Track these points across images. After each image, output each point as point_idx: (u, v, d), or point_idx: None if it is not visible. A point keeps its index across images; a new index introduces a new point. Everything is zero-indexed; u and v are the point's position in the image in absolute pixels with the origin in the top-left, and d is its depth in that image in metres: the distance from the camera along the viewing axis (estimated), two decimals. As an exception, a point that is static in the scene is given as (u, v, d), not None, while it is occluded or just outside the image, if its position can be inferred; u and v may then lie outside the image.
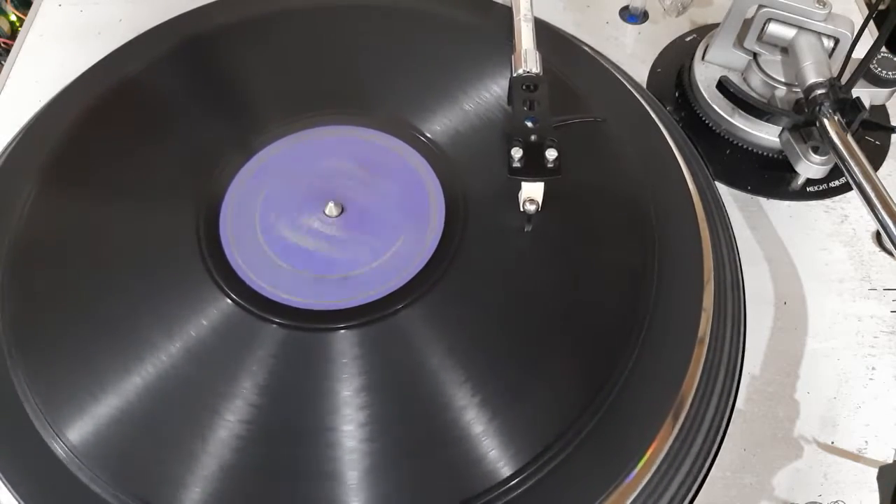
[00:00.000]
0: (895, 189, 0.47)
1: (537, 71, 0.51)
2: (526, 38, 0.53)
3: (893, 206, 0.45)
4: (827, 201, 0.56)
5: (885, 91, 0.54)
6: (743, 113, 0.56)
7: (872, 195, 0.46)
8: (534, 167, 0.45)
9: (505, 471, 0.40)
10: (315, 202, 0.50)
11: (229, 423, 0.41)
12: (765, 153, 0.57)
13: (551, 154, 0.45)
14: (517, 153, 0.45)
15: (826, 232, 0.54)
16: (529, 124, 0.47)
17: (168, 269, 0.47)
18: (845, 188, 0.56)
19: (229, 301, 0.46)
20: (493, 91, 0.55)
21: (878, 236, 0.54)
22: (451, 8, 0.61)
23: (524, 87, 0.49)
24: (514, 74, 0.51)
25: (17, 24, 0.83)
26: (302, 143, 0.53)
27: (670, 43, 0.66)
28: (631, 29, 0.67)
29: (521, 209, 0.47)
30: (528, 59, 0.51)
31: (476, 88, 0.55)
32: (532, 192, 0.46)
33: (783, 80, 0.55)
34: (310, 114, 0.54)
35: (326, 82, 0.57)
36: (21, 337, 0.45)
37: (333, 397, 0.42)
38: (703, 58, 0.60)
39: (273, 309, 0.45)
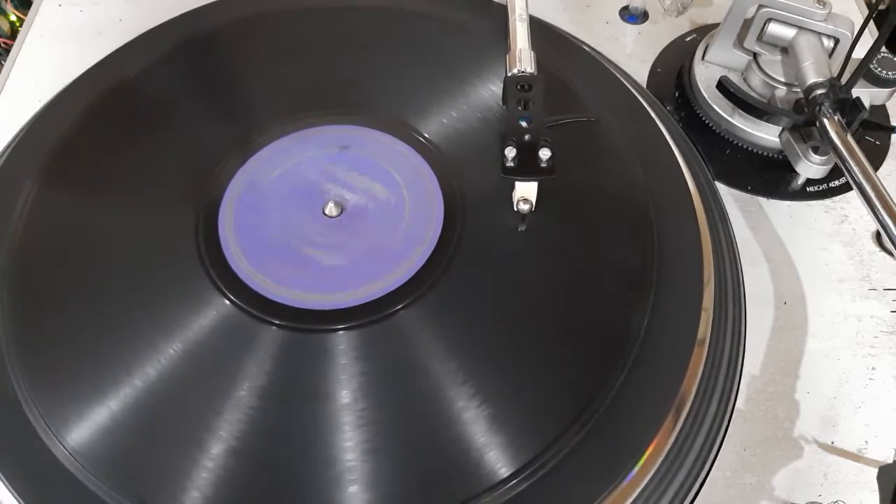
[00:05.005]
0: (895, 189, 0.47)
1: (532, 71, 0.51)
2: (521, 37, 0.54)
3: (893, 206, 0.45)
4: (827, 201, 0.56)
5: (885, 91, 0.54)
6: (743, 113, 0.56)
7: (872, 195, 0.46)
8: (527, 167, 0.46)
9: (505, 471, 0.40)
10: (314, 202, 0.50)
11: (228, 423, 0.41)
12: (765, 153, 0.57)
13: (545, 154, 0.45)
14: (511, 153, 0.46)
15: (826, 232, 0.54)
16: (523, 124, 0.47)
17: (167, 269, 0.47)
18: (845, 188, 0.56)
19: (228, 302, 0.46)
20: (492, 91, 0.55)
21: (878, 236, 0.54)
22: (448, 8, 0.60)
23: (518, 87, 0.50)
24: (509, 74, 0.51)
25: (17, 24, 0.83)
26: (301, 142, 0.53)
27: (670, 43, 0.66)
28: (631, 29, 0.67)
29: (515, 209, 0.47)
30: (523, 59, 0.51)
31: (475, 88, 0.55)
32: (526, 192, 0.47)
33: (783, 80, 0.55)
34: (309, 114, 0.54)
35: (326, 82, 0.57)
36: (20, 337, 0.45)
37: (332, 398, 0.42)
38: (703, 58, 0.60)
39: (272, 310, 0.45)
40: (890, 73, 0.54)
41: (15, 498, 0.41)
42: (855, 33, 0.52)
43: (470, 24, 0.60)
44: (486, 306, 0.46)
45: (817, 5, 0.52)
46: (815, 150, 0.52)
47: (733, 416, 0.47)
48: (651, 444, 0.41)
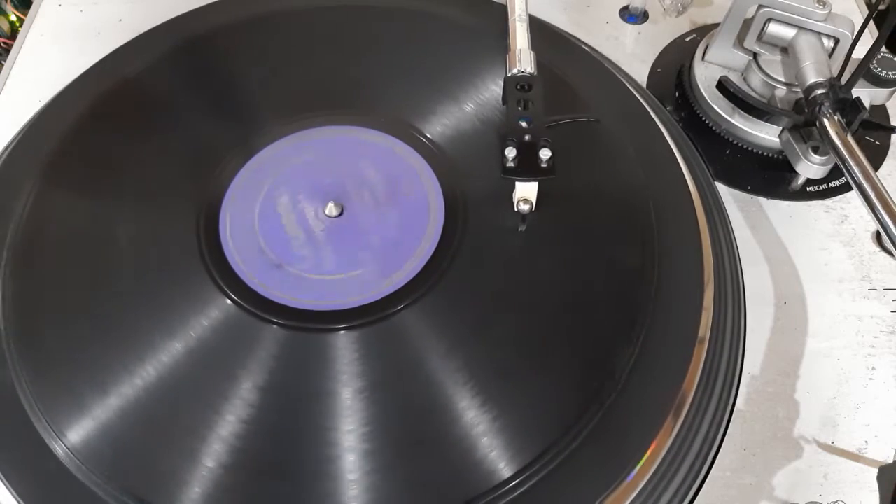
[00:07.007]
0: (895, 189, 0.47)
1: (531, 71, 0.51)
2: (520, 37, 0.54)
3: (893, 206, 0.45)
4: (827, 201, 0.56)
5: (885, 91, 0.54)
6: (743, 113, 0.56)
7: (872, 195, 0.46)
8: (527, 167, 0.46)
9: (506, 471, 0.40)
10: (315, 202, 0.50)
11: (229, 422, 0.41)
12: (765, 153, 0.57)
13: (545, 154, 0.46)
14: (511, 153, 0.46)
15: (826, 232, 0.54)
16: (523, 124, 0.47)
17: (168, 269, 0.48)
18: (845, 188, 0.56)
19: (229, 301, 0.46)
20: (493, 91, 0.55)
21: (878, 236, 0.54)
22: (449, 8, 0.61)
23: (518, 87, 0.50)
24: (509, 74, 0.51)
25: (17, 24, 0.83)
26: (302, 143, 0.53)
27: (670, 43, 0.66)
28: (631, 29, 0.67)
29: (515, 209, 0.47)
30: (523, 59, 0.51)
31: (476, 88, 0.55)
32: (526, 192, 0.47)
33: (783, 80, 0.55)
34: (310, 114, 0.54)
35: (326, 82, 0.57)
36: (21, 336, 0.45)
37: (334, 398, 0.42)
38: (703, 58, 0.60)
39: (273, 309, 0.45)
40: (890, 73, 0.54)
41: (15, 498, 0.41)
42: (855, 33, 0.52)
43: (470, 24, 0.60)
44: (487, 307, 0.46)
45: (817, 5, 0.52)
46: (815, 150, 0.52)
47: (733, 416, 0.47)
48: (651, 444, 0.41)
